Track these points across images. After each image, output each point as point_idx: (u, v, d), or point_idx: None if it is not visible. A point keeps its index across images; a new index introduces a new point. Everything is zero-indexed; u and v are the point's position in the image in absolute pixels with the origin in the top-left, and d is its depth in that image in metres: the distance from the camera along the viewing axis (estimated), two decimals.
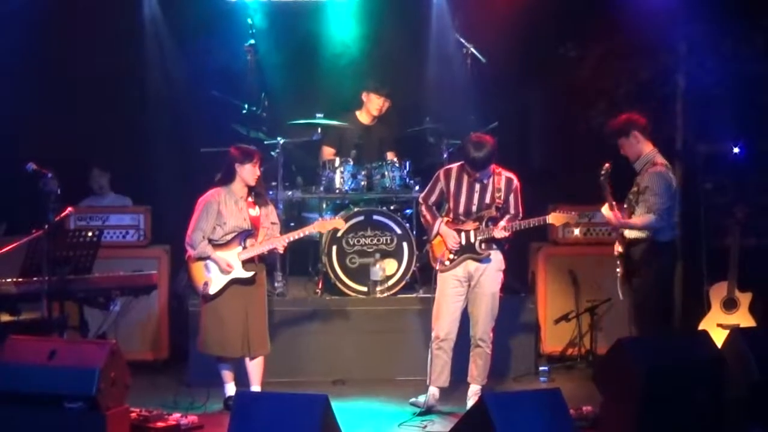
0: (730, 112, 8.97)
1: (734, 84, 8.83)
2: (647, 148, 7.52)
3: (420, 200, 7.74)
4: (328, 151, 9.28)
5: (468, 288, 7.48)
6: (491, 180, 7.45)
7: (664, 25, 8.99)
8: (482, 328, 7.45)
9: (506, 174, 7.50)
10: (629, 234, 7.48)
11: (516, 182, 7.50)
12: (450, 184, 7.52)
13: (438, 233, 7.52)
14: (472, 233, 7.43)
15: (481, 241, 7.41)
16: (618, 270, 7.54)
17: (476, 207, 7.45)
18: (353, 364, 8.51)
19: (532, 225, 7.43)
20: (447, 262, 7.49)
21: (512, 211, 7.46)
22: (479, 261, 7.43)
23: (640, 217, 7.36)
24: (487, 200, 7.44)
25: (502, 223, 7.37)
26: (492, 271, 7.46)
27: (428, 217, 7.61)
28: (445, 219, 7.54)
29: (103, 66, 9.47)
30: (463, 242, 7.44)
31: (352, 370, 8.49)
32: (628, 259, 7.48)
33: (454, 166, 7.59)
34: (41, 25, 9.26)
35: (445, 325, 7.47)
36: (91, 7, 9.31)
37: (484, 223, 7.42)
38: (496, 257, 7.48)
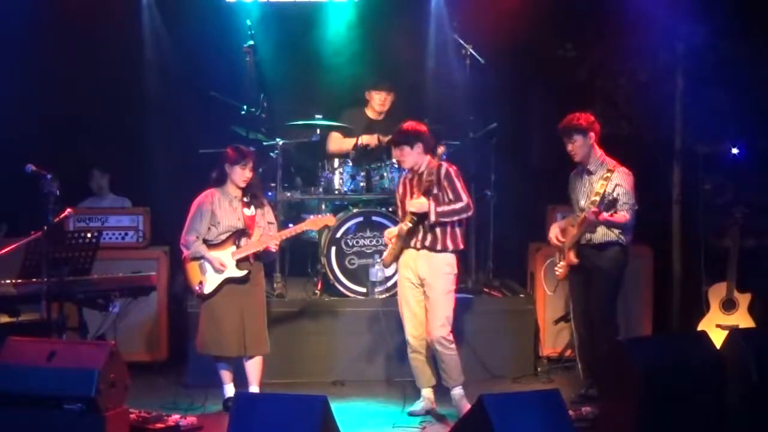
0: (729, 113, 8.96)
1: (733, 84, 8.82)
2: (598, 151, 7.63)
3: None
4: (335, 136, 9.20)
5: (423, 290, 7.47)
6: (426, 170, 7.43)
7: (664, 25, 8.99)
8: (436, 331, 7.36)
9: (444, 165, 7.49)
10: (599, 237, 7.54)
11: (447, 166, 7.42)
12: (400, 190, 7.59)
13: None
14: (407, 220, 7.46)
15: (410, 225, 7.36)
16: (558, 270, 7.71)
17: None
18: (352, 365, 8.52)
19: (427, 183, 7.32)
20: (385, 253, 7.56)
21: (451, 195, 7.35)
22: (408, 246, 7.38)
23: (619, 215, 7.42)
24: (423, 188, 7.40)
25: (415, 195, 7.36)
26: (441, 273, 7.40)
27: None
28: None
29: (103, 67, 9.49)
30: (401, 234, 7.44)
31: (351, 371, 8.49)
32: (590, 262, 7.56)
33: (405, 173, 7.65)
34: (41, 26, 9.27)
35: (411, 329, 7.48)
36: (91, 9, 9.31)
37: None
38: (446, 259, 7.41)
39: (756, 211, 8.90)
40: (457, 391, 7.45)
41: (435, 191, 7.34)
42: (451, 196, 7.35)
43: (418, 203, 7.31)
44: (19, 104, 9.08)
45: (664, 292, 9.31)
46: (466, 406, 7.30)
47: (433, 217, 7.30)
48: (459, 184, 7.36)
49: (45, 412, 6.20)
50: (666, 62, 9.18)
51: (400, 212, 7.71)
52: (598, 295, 7.62)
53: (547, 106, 9.81)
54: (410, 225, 7.36)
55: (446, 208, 7.32)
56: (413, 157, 7.41)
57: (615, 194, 7.36)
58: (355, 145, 9.02)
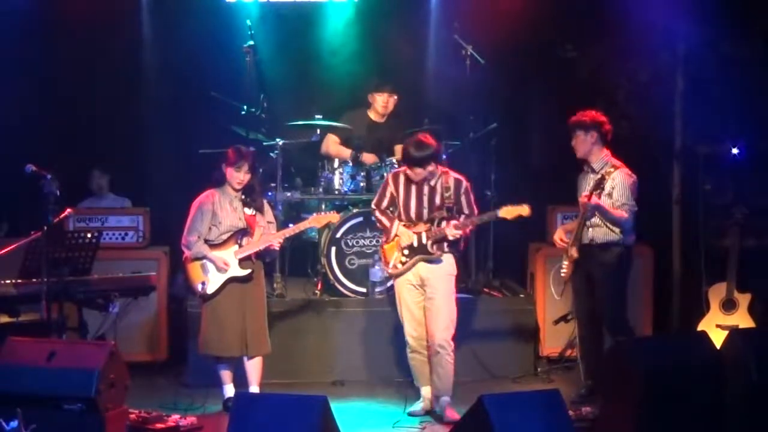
0: (730, 113, 8.97)
1: (733, 85, 8.83)
2: (603, 152, 7.65)
3: (373, 206, 7.66)
4: (332, 139, 9.20)
5: (423, 293, 7.44)
6: (439, 181, 7.40)
7: (664, 26, 8.99)
8: (440, 334, 7.37)
9: (454, 175, 7.46)
10: (601, 237, 7.56)
11: (465, 183, 7.44)
12: (399, 188, 7.48)
13: (396, 234, 7.46)
14: (423, 234, 7.36)
15: (432, 242, 7.36)
16: (563, 270, 7.70)
17: (427, 210, 7.40)
18: (352, 365, 8.52)
19: (483, 221, 7.44)
20: (399, 265, 7.43)
21: (466, 211, 7.40)
22: (430, 262, 7.36)
23: (616, 210, 7.46)
24: (437, 201, 7.38)
25: (454, 222, 7.31)
26: (444, 275, 7.40)
27: (384, 221, 7.55)
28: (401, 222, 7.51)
29: (103, 67, 9.49)
30: (416, 244, 7.38)
31: (351, 371, 8.49)
32: (593, 262, 7.56)
33: (402, 169, 7.55)
34: (41, 26, 9.27)
35: (410, 329, 7.49)
36: (91, 9, 9.31)
37: (435, 224, 7.36)
38: (448, 261, 7.43)
39: (756, 211, 8.90)
40: (445, 399, 7.46)
41: (451, 205, 7.38)
42: (466, 210, 7.39)
43: (456, 233, 7.29)
44: (19, 104, 9.08)
45: (664, 292, 9.32)
46: (452, 412, 7.33)
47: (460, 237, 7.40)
48: (472, 197, 7.45)
49: (45, 412, 6.19)
50: (666, 62, 9.19)
51: (385, 202, 7.54)
52: (602, 295, 7.62)
53: (547, 106, 9.81)
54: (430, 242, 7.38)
55: (470, 226, 7.40)
56: (424, 174, 7.36)
57: (610, 188, 7.45)
58: (355, 158, 9.01)
